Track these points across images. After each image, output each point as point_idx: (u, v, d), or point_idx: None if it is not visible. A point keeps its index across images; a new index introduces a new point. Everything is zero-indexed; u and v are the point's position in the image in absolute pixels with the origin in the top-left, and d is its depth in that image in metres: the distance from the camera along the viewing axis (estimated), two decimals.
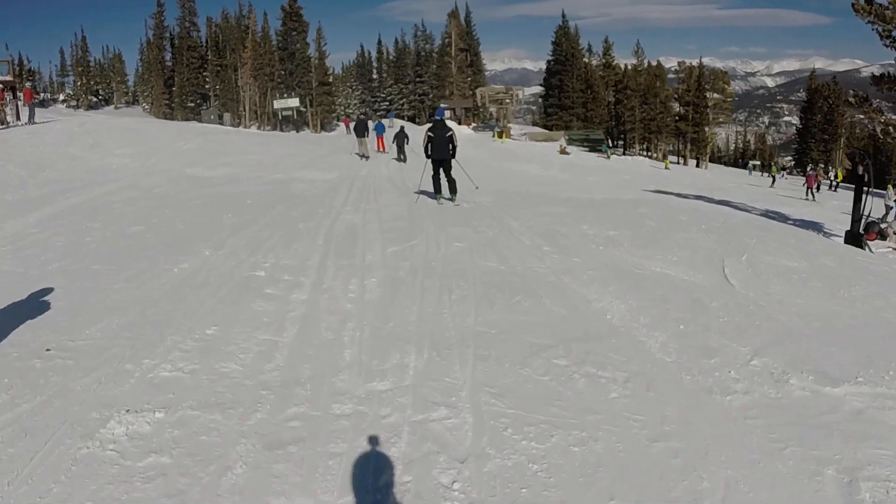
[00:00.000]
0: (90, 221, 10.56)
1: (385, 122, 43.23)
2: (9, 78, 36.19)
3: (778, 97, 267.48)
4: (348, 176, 21.24)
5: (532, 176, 29.51)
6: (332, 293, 6.64)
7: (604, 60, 79.73)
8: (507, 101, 60.57)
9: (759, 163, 76.06)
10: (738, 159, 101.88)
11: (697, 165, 71.44)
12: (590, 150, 58.23)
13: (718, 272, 8.12)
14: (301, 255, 8.47)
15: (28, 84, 37.51)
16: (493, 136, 56.56)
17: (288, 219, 11.67)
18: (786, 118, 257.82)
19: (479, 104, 63.76)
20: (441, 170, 14.38)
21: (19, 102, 28.48)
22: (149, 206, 12.59)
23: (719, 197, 26.59)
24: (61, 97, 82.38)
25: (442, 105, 42.98)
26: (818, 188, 36.49)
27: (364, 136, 29.23)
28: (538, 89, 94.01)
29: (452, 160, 14.44)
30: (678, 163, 72.56)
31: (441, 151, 14.16)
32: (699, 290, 7.22)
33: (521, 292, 6.73)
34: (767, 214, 21.44)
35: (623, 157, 59.06)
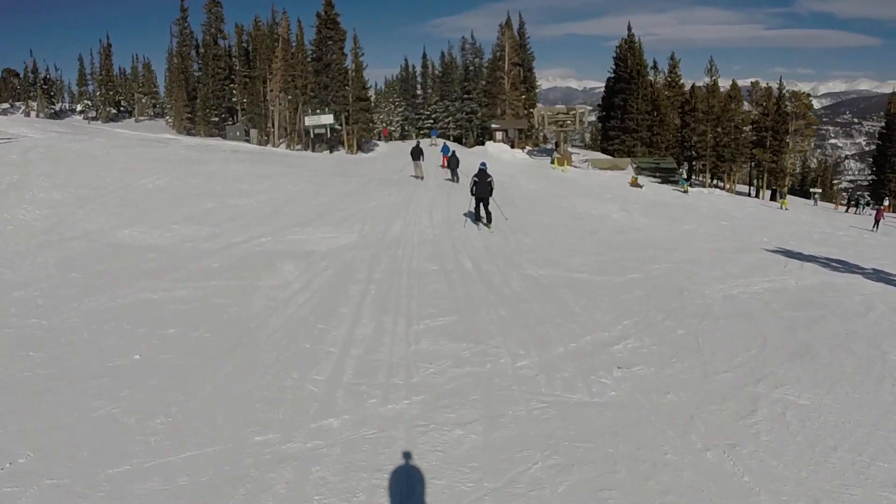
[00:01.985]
0: None
1: (426, 142, 43.91)
2: None
3: (824, 119, 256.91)
4: (374, 237, 14.29)
5: (615, 225, 22.03)
6: None
7: (669, 79, 71.67)
8: (570, 122, 52.92)
9: (820, 191, 66.81)
10: (797, 186, 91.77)
11: (773, 198, 62.81)
12: (661, 182, 50.29)
13: None
14: None
15: None
16: (553, 162, 49.06)
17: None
18: (831, 141, 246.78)
19: (538, 125, 56.01)
20: (481, 204, 17.58)
21: None
22: None
23: (872, 261, 18.35)
24: (78, 108, 77.14)
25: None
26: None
27: (420, 160, 31.00)
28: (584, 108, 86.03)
29: (490, 198, 17.62)
30: (753, 195, 64.15)
31: (483, 192, 17.46)
32: None
33: None
34: None
35: (700, 189, 50.88)
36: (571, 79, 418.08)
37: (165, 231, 13.67)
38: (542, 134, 68.63)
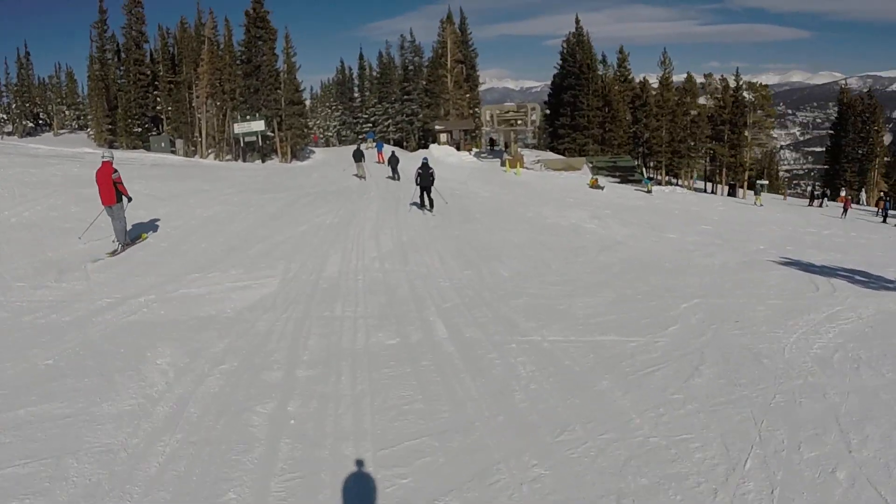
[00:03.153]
0: None
1: (364, 146, 44.69)
2: None
3: (758, 111, 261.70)
4: (302, 283, 10.68)
5: (595, 238, 18.64)
6: None
7: (619, 73, 69.09)
8: (520, 121, 49.40)
9: (766, 182, 65.32)
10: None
11: (731, 194, 60.80)
12: (621, 181, 47.40)
13: None
14: None
15: None
16: (504, 165, 45.65)
17: None
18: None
19: (486, 125, 52.22)
20: (425, 192, 20.42)
21: None
22: None
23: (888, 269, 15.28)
24: None
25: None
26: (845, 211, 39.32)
27: (361, 161, 33.52)
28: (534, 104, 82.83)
29: (432, 187, 20.51)
30: (709, 191, 62.08)
31: (426, 181, 20.32)
32: None
33: None
34: None
35: (661, 188, 48.03)
36: (508, 79, 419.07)
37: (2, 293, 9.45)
38: (488, 136, 65.38)
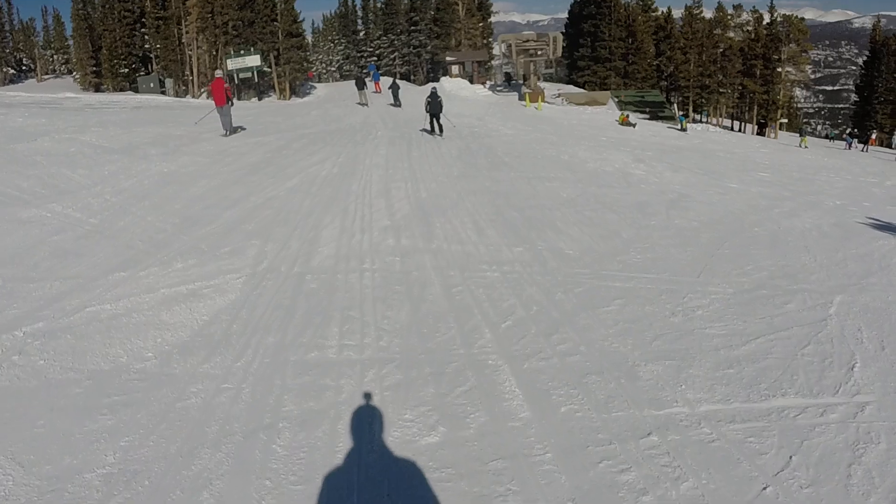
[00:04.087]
0: None
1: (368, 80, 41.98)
2: None
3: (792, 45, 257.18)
4: (281, 281, 7.09)
5: (654, 190, 15.07)
6: None
7: (642, 3, 63.67)
8: (540, 52, 44.74)
9: (786, 121, 61.03)
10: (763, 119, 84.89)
11: (761, 133, 56.37)
12: (650, 118, 43.12)
13: None
14: None
15: None
16: (524, 100, 41.38)
17: None
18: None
19: (505, 56, 47.32)
20: (434, 119, 21.43)
21: None
22: None
23: None
24: None
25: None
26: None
27: (363, 89, 33.98)
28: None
29: (441, 113, 21.52)
30: (736, 130, 57.73)
31: (435, 109, 21.30)
32: None
33: None
34: None
35: (694, 126, 43.75)
36: (514, 13, 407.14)
37: None
38: (502, 69, 60.57)
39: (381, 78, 47.48)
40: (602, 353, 5.50)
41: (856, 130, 56.72)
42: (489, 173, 15.24)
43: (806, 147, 40.19)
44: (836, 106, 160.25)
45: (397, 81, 36.30)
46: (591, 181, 15.29)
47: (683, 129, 38.45)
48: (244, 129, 20.95)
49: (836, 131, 65.54)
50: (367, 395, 4.67)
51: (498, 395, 4.73)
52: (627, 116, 37.46)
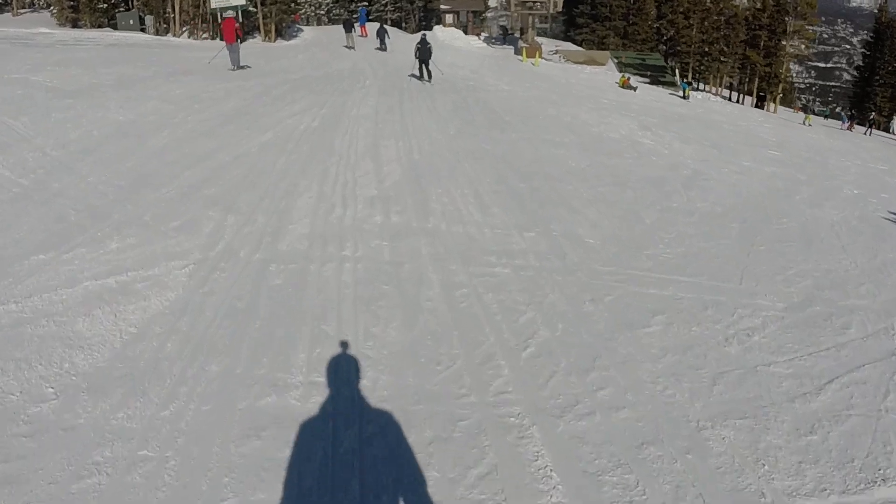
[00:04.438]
0: None
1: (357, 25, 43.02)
2: None
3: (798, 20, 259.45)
4: (239, 272, 5.43)
5: (666, 164, 13.80)
6: None
7: None
8: (539, 4, 42.55)
9: (780, 95, 59.68)
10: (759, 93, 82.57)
11: (759, 105, 54.87)
12: (651, 82, 41.40)
13: None
14: None
15: None
16: (520, 54, 39.46)
17: None
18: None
19: (503, 7, 44.94)
20: (423, 65, 21.42)
21: None
22: None
23: None
24: None
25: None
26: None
27: (351, 32, 34.44)
28: None
29: (430, 59, 21.45)
30: (734, 100, 56.25)
31: (425, 55, 21.25)
32: None
33: None
34: None
35: (695, 94, 42.08)
36: None
37: None
38: (498, 23, 58.18)
39: (369, 23, 46.76)
40: (655, 404, 4.16)
41: (853, 111, 55.47)
42: (488, 133, 13.81)
43: (810, 125, 38.89)
44: (827, 83, 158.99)
45: (385, 27, 35.88)
46: (597, 149, 13.91)
47: (685, 97, 36.84)
48: (250, 67, 21.40)
49: (826, 109, 64.41)
50: (343, 483, 3.27)
51: (529, 483, 3.35)
52: (628, 79, 35.70)
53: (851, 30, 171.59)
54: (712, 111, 33.62)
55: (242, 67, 21.01)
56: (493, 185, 9.37)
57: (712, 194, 10.97)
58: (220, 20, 47.02)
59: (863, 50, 67.47)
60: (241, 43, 20.55)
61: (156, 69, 18.11)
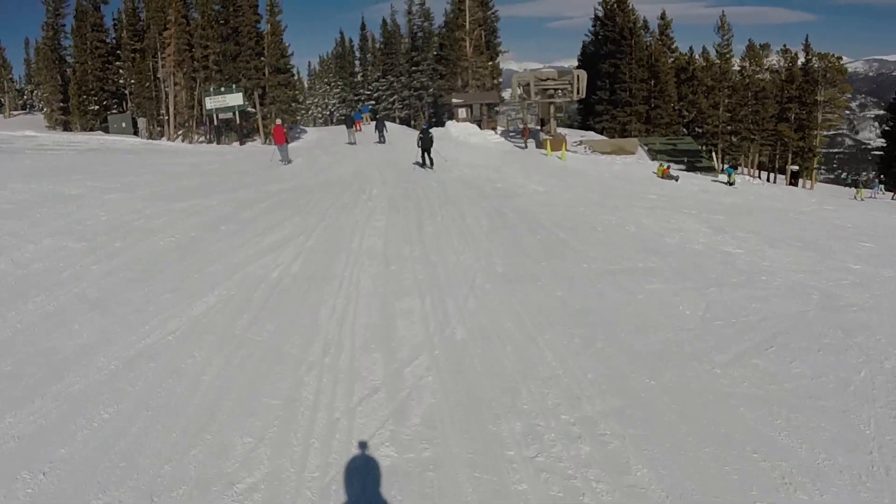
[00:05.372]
0: None
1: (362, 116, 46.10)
2: None
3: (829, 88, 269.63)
4: None
5: (786, 291, 9.24)
6: None
7: (661, 42, 58.39)
8: (561, 92, 39.03)
9: (797, 168, 55.43)
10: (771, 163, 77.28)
11: (793, 182, 50.81)
12: (687, 170, 37.44)
13: None
14: None
15: None
16: (544, 148, 35.70)
17: None
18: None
19: (522, 97, 41.36)
20: (426, 153, 22.73)
21: None
22: None
23: None
24: None
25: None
26: None
27: (352, 128, 35.89)
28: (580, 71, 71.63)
29: (432, 148, 22.86)
30: (769, 180, 52.37)
31: (427, 144, 22.72)
32: None
33: None
34: None
35: (739, 179, 38.04)
36: (511, 61, 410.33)
37: None
38: (510, 116, 55.16)
39: (364, 115, 48.92)
40: None
41: (882, 177, 51.33)
42: (549, 264, 9.42)
43: (862, 200, 35.17)
44: (830, 150, 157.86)
45: (384, 121, 37.79)
46: (697, 276, 9.38)
47: (731, 183, 32.68)
48: (292, 161, 24.54)
49: (852, 177, 61.15)
50: None
51: None
52: (668, 168, 31.73)
53: (849, 95, 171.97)
54: (763, 196, 29.21)
55: (290, 161, 24.52)
56: (615, 405, 4.81)
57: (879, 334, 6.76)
58: (216, 122, 44.41)
59: (890, 116, 63.98)
60: (288, 143, 25.94)
61: (95, 184, 13.89)
